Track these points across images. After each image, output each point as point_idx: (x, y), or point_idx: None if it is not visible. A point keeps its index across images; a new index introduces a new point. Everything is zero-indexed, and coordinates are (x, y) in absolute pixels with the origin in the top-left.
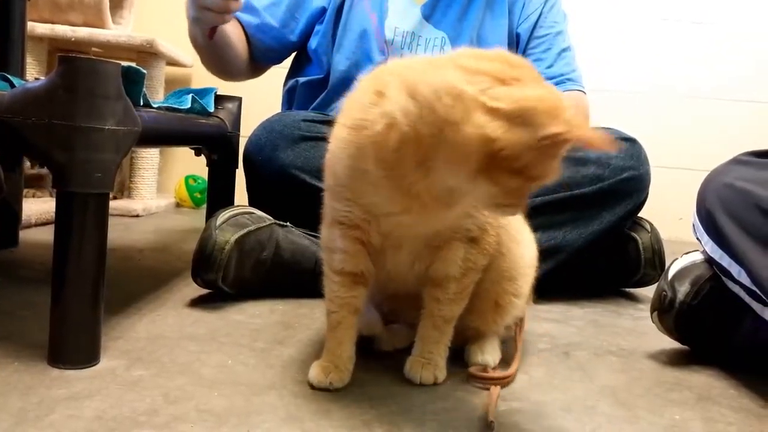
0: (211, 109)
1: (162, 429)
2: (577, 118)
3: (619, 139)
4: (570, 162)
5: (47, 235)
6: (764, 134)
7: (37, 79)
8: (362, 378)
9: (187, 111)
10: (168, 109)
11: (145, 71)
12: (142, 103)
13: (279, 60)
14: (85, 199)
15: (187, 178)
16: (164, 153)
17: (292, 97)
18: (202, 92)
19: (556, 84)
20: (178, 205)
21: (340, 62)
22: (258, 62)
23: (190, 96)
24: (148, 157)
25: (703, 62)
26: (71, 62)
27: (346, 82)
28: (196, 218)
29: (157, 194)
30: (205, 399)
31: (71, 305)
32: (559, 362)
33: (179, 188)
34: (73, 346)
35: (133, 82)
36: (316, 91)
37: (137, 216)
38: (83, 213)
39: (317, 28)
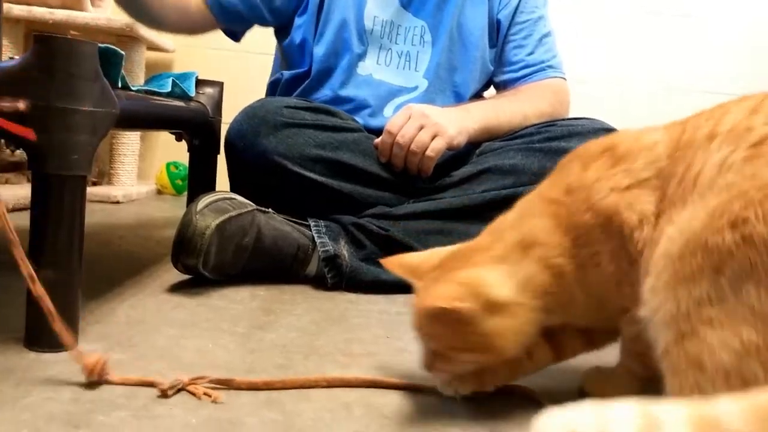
0: (192, 94)
1: (140, 411)
2: None
3: (601, 130)
4: (546, 153)
5: (24, 220)
6: None
7: (12, 58)
8: (343, 362)
9: (168, 95)
10: (147, 92)
11: (123, 52)
12: (120, 86)
13: (240, 30)
14: (62, 181)
15: (168, 164)
16: (145, 139)
17: (275, 89)
18: (183, 76)
19: (537, 72)
20: (159, 192)
21: (320, 52)
22: (217, 25)
23: (170, 80)
24: (129, 143)
25: (693, 55)
26: (47, 42)
27: (326, 72)
28: (178, 205)
29: (137, 181)
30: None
31: (48, 287)
32: None
33: (160, 175)
34: (50, 330)
35: (110, 63)
36: (299, 84)
37: (117, 202)
38: (60, 195)
39: (298, 21)
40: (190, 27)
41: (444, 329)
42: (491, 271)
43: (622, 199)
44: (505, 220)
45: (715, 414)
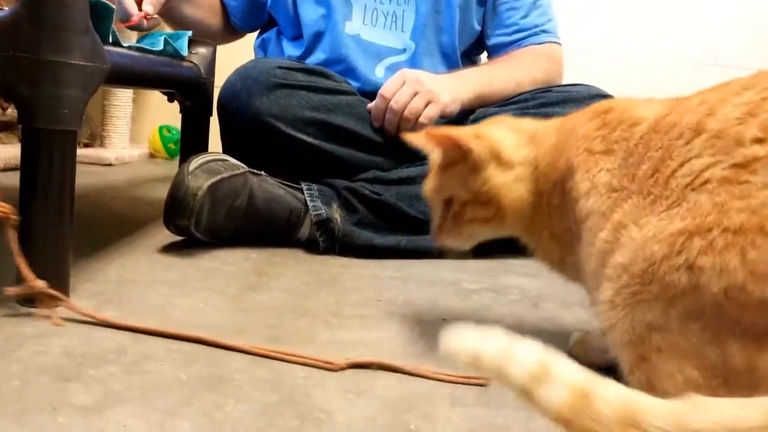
0: (185, 53)
1: (130, 366)
2: None
3: (597, 96)
4: (540, 119)
5: (15, 179)
6: None
7: (1, 9)
8: (334, 323)
9: (159, 53)
10: (139, 50)
11: (113, 6)
12: (111, 41)
13: (258, 23)
14: (52, 135)
15: (161, 128)
16: (137, 102)
17: (265, 48)
18: (176, 35)
19: (530, 36)
20: (151, 155)
21: (308, 15)
22: (239, 29)
23: (162, 38)
24: (121, 105)
25: (691, 24)
26: None
27: (317, 37)
28: (170, 169)
29: (130, 144)
30: (175, 339)
31: (38, 243)
32: (528, 313)
33: (153, 138)
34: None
35: (101, 17)
36: (287, 40)
37: (110, 165)
38: (50, 150)
39: None
40: (224, 39)
41: (455, 174)
42: (508, 133)
43: (585, 163)
44: (531, 120)
45: (598, 391)
